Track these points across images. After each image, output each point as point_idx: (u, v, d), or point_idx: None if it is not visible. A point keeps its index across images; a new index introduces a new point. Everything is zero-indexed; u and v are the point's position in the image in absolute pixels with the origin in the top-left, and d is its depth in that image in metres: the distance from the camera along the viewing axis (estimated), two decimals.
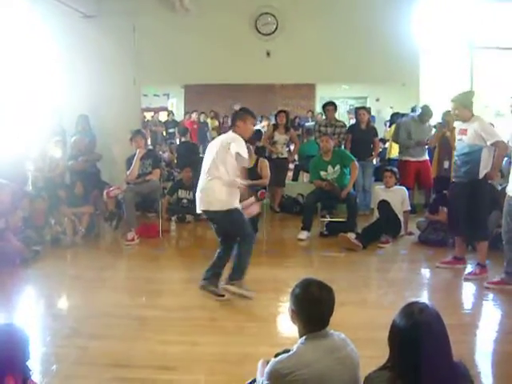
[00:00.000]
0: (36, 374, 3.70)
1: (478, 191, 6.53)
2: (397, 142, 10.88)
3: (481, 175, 6.53)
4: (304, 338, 2.96)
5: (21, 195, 8.18)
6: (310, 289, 3.04)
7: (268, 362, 3.03)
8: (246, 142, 6.12)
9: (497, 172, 6.68)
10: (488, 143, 6.43)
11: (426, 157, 10.63)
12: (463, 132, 6.67)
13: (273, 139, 10.85)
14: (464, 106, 6.62)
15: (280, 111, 11.06)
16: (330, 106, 10.69)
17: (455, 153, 6.90)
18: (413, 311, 2.60)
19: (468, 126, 6.60)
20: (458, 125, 6.97)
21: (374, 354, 2.87)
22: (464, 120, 6.68)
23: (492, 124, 9.96)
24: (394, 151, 11.51)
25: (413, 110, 11.29)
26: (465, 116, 6.65)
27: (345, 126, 10.72)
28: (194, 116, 13.64)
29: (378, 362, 2.69)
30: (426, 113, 10.52)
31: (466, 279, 6.71)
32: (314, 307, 2.97)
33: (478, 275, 6.66)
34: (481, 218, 6.67)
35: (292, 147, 11.62)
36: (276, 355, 3.13)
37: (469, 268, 7.00)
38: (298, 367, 2.82)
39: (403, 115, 11.45)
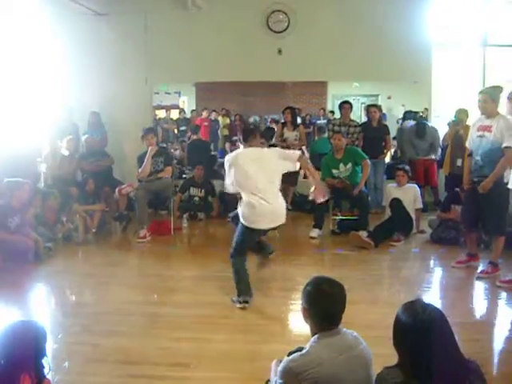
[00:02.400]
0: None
1: (497, 190, 6.38)
2: (402, 149, 10.96)
3: (505, 179, 6.35)
4: (317, 336, 2.95)
5: (33, 192, 8.21)
6: (321, 286, 3.04)
7: (281, 362, 3.03)
8: (262, 137, 6.11)
9: (492, 181, 6.37)
10: (502, 145, 6.29)
11: (433, 156, 10.66)
12: (487, 129, 6.46)
13: (283, 137, 10.83)
14: (493, 99, 6.41)
15: (286, 108, 11.01)
16: (346, 105, 10.65)
17: (475, 151, 6.65)
18: (416, 310, 2.60)
19: (492, 122, 6.40)
20: (477, 120, 6.73)
21: (386, 352, 2.85)
22: (489, 115, 6.46)
23: None
24: None
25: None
26: (492, 110, 6.43)
27: (359, 125, 10.67)
28: (205, 113, 13.65)
29: (390, 360, 2.69)
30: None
31: (479, 278, 6.65)
32: (326, 304, 2.97)
33: (490, 273, 6.60)
34: (500, 214, 6.53)
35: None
36: (289, 354, 3.13)
37: (481, 266, 6.95)
38: (311, 366, 2.82)
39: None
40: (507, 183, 6.21)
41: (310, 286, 3.06)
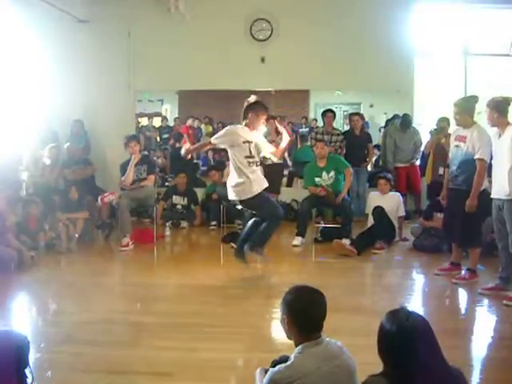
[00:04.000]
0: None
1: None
2: (385, 150, 10.98)
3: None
4: (301, 347, 2.95)
5: (15, 200, 8.17)
6: (301, 294, 3.05)
7: (266, 371, 3.03)
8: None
9: (475, 197, 6.41)
10: (473, 156, 6.40)
11: (416, 163, 10.72)
12: (462, 139, 6.58)
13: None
14: (465, 111, 6.53)
15: (267, 118, 11.03)
16: (329, 113, 10.71)
17: (452, 160, 6.81)
18: (400, 318, 2.61)
19: (467, 133, 6.51)
20: (455, 131, 6.86)
21: (370, 360, 2.86)
22: (464, 126, 6.59)
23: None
24: None
25: (393, 117, 11.37)
26: (465, 122, 6.55)
27: (341, 134, 10.71)
28: (190, 121, 13.63)
29: (374, 369, 2.69)
30: (405, 122, 10.70)
31: (455, 283, 6.71)
32: (307, 311, 2.97)
33: (467, 280, 6.68)
34: (475, 226, 6.64)
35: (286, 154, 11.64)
36: (273, 362, 3.13)
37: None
38: (296, 377, 2.82)
39: (389, 120, 11.57)
40: (484, 191, 6.40)
41: (289, 295, 3.06)
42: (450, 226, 6.97)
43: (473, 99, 6.70)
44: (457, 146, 6.68)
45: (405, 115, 10.85)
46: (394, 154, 10.80)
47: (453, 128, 8.37)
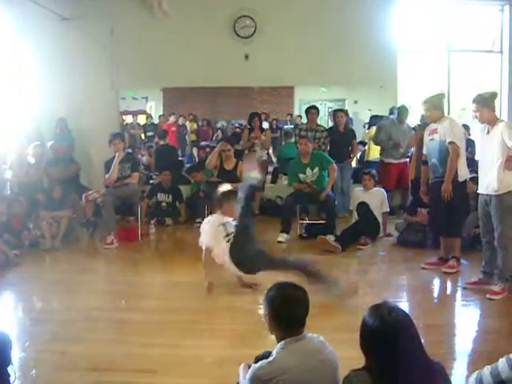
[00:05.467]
0: None
1: (456, 191, 6.62)
2: (378, 144, 10.95)
3: (460, 178, 6.66)
4: (283, 342, 2.97)
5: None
6: (284, 290, 3.08)
7: (249, 366, 3.04)
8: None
9: (450, 180, 6.64)
10: (446, 142, 6.63)
11: (406, 159, 10.72)
12: (434, 132, 6.89)
13: (250, 142, 10.87)
14: (435, 107, 6.82)
15: (253, 115, 11.06)
16: (312, 110, 10.67)
17: (429, 154, 7.04)
18: (382, 313, 2.62)
19: (438, 125, 6.81)
20: (430, 126, 7.11)
21: (353, 355, 2.87)
22: (435, 120, 6.86)
23: (467, 126, 10.13)
24: (373, 153, 11.58)
25: (391, 111, 11.35)
26: (436, 117, 6.85)
27: (325, 130, 10.70)
28: (172, 118, 13.60)
29: (357, 363, 2.71)
30: (403, 112, 10.65)
31: (445, 272, 6.84)
32: (290, 307, 2.99)
33: (455, 268, 6.83)
34: (457, 217, 6.81)
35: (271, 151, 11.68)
36: (256, 358, 3.15)
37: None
38: (279, 372, 2.84)
39: (382, 117, 11.54)
40: (465, 182, 6.56)
41: (272, 292, 3.08)
42: (436, 219, 7.07)
43: (440, 95, 7.11)
44: (431, 140, 6.95)
45: (401, 107, 10.82)
46: (385, 148, 10.76)
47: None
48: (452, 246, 7.02)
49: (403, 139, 10.50)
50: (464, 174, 6.71)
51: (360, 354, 2.70)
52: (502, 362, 3.01)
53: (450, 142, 6.59)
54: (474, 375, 3.13)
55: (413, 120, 10.68)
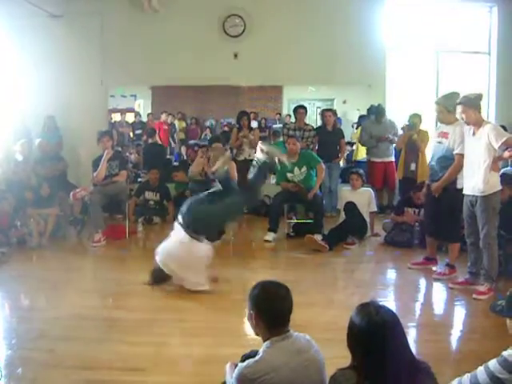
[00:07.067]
0: None
1: (453, 198, 6.52)
2: (363, 145, 11.01)
3: (458, 185, 6.48)
4: (269, 341, 2.98)
5: None
6: (267, 288, 3.11)
7: (236, 365, 3.05)
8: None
9: (442, 185, 6.60)
10: (453, 152, 6.49)
11: (392, 158, 10.75)
12: (444, 135, 6.65)
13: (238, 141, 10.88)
14: (448, 109, 6.52)
15: (242, 114, 11.05)
16: (301, 109, 10.71)
17: (433, 156, 6.90)
18: (370, 312, 2.64)
19: (450, 129, 6.57)
20: (440, 127, 6.93)
21: (340, 354, 2.89)
22: (447, 123, 6.64)
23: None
24: (361, 153, 11.61)
25: (369, 111, 11.40)
26: (448, 119, 6.60)
27: (313, 129, 10.74)
28: (164, 117, 13.58)
29: (344, 362, 2.72)
30: (379, 112, 10.71)
31: (436, 279, 6.81)
32: (274, 305, 3.01)
33: (447, 275, 6.77)
34: (455, 221, 6.71)
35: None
36: (243, 357, 3.16)
37: (438, 268, 7.09)
38: (266, 371, 2.85)
39: (364, 117, 11.60)
40: (461, 189, 6.35)
41: (256, 290, 3.11)
42: (429, 221, 7.06)
43: (453, 96, 6.52)
44: (439, 142, 6.75)
45: (378, 105, 10.86)
46: (369, 147, 10.80)
47: (425, 124, 8.49)
48: (450, 251, 6.96)
49: (384, 134, 10.55)
50: (462, 182, 6.41)
51: (347, 353, 2.71)
52: (480, 372, 3.01)
53: (458, 154, 6.41)
54: (455, 382, 3.14)
55: (402, 120, 10.67)
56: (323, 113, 11.15)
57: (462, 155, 6.36)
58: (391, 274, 7.55)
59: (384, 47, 11.41)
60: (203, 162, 9.45)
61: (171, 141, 13.55)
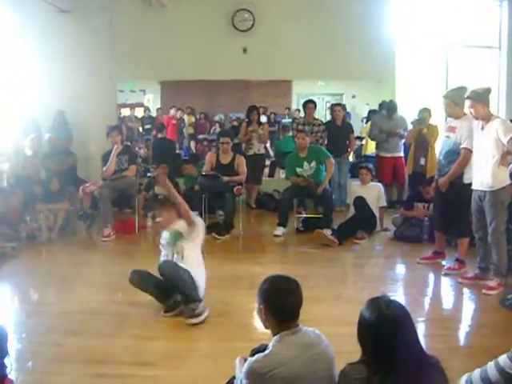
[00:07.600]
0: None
1: (460, 193, 6.47)
2: (373, 139, 10.98)
3: (465, 180, 6.44)
4: (279, 336, 2.97)
5: None
6: (277, 282, 3.09)
7: (245, 359, 3.05)
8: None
9: (449, 180, 6.55)
10: (460, 146, 6.44)
11: (401, 153, 10.71)
12: (452, 129, 6.59)
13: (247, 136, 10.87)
14: (455, 103, 6.46)
15: (252, 109, 11.02)
16: (310, 104, 10.71)
17: (440, 151, 6.87)
18: (380, 306, 2.63)
19: (458, 124, 6.52)
20: (449, 121, 6.87)
21: (350, 349, 2.88)
22: (455, 117, 6.58)
23: None
24: (370, 148, 11.59)
25: (380, 106, 11.36)
26: (456, 113, 6.54)
27: (323, 124, 10.72)
28: (173, 111, 13.60)
29: (354, 357, 2.71)
30: (391, 108, 10.67)
31: (446, 274, 6.76)
32: (284, 299, 3.00)
33: (456, 270, 6.72)
34: (463, 217, 6.64)
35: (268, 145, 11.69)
36: (252, 351, 3.15)
37: (447, 263, 7.06)
38: (275, 366, 2.85)
39: (374, 111, 11.57)
40: (470, 184, 6.31)
41: (265, 284, 3.09)
42: (438, 216, 7.02)
43: (461, 90, 6.43)
44: (447, 137, 6.71)
45: (390, 101, 10.84)
46: (378, 141, 10.77)
47: (435, 119, 8.42)
48: (459, 246, 6.88)
49: (395, 129, 10.50)
50: (470, 177, 6.38)
51: (357, 348, 2.70)
52: (490, 367, 3.00)
53: (465, 148, 6.37)
54: (465, 377, 3.12)
55: (411, 115, 10.64)
56: (332, 107, 11.13)
57: (468, 150, 6.33)
58: (401, 269, 7.54)
59: (393, 42, 11.35)
60: (212, 161, 9.41)
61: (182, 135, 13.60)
